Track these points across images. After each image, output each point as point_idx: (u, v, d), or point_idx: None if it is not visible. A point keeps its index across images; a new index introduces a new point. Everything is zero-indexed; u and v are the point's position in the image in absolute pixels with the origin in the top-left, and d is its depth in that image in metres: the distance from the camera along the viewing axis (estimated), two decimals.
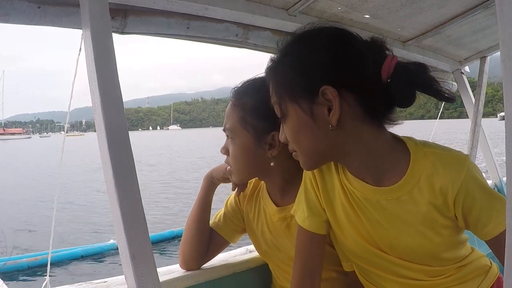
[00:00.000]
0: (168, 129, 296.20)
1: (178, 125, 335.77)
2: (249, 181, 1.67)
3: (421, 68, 1.08)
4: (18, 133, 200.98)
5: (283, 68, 1.14)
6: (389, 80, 1.07)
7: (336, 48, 1.08)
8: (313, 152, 1.16)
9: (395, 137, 1.20)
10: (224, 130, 1.52)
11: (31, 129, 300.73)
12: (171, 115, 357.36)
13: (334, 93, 1.05)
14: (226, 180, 1.63)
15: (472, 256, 1.30)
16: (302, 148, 1.16)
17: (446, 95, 1.07)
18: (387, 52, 1.11)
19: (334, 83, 1.05)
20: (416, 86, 1.07)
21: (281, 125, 1.21)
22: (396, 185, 1.15)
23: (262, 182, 1.63)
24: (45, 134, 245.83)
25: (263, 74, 1.47)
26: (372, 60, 1.08)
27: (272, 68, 1.18)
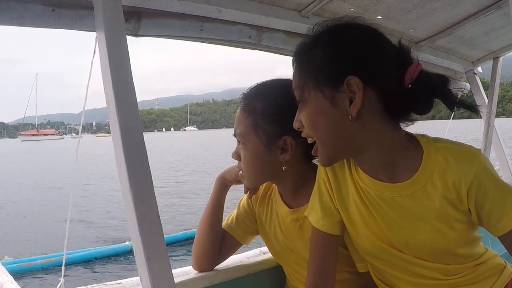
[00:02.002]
0: (185, 130, 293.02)
1: (195, 126, 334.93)
2: None
3: (444, 81, 1.10)
4: (51, 134, 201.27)
5: (312, 54, 1.15)
6: (410, 86, 1.09)
7: (368, 44, 1.10)
8: (329, 141, 1.16)
9: (409, 134, 1.21)
10: (234, 135, 1.50)
11: (63, 130, 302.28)
12: (187, 117, 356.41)
13: (359, 85, 1.06)
14: (238, 181, 1.62)
15: (487, 255, 1.30)
16: (319, 135, 1.17)
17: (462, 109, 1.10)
18: (412, 59, 1.13)
19: (360, 75, 1.07)
20: (435, 96, 1.09)
21: (298, 110, 1.21)
22: (410, 181, 1.15)
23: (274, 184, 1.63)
24: (75, 135, 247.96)
25: (271, 78, 1.49)
26: (398, 62, 1.10)
27: (301, 52, 1.19)
